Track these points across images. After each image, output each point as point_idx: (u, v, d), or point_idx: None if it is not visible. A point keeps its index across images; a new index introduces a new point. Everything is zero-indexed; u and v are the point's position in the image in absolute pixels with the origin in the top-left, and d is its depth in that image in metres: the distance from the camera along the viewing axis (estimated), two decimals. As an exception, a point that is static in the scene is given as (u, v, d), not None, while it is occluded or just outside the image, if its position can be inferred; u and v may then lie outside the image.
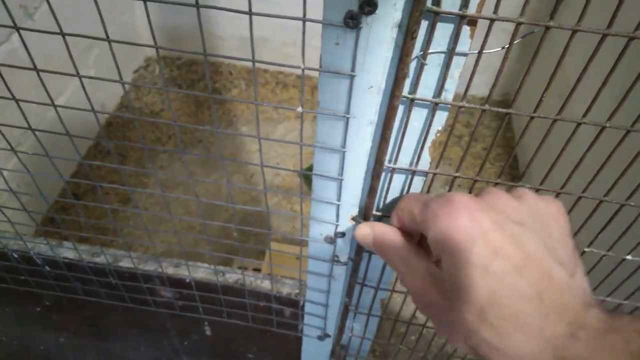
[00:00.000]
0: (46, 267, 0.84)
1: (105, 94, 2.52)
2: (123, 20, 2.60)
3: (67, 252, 0.81)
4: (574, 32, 0.38)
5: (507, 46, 0.40)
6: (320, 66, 0.43)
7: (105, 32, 0.44)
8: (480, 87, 2.71)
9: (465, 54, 0.41)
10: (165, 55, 2.96)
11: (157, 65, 2.95)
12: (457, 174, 0.51)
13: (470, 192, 0.49)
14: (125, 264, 0.80)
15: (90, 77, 0.47)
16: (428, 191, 0.56)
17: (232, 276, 0.79)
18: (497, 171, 2.43)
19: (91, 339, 1.11)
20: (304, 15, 0.39)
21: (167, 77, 2.85)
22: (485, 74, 2.53)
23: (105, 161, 2.42)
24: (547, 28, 0.38)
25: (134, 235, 2.16)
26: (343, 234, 0.62)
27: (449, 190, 0.50)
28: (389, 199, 0.56)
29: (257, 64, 0.45)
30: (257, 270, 1.83)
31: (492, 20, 0.38)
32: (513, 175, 2.43)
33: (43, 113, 1.99)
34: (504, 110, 0.46)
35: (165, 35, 2.79)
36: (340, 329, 0.83)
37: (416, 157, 0.51)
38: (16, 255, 0.82)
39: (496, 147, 2.56)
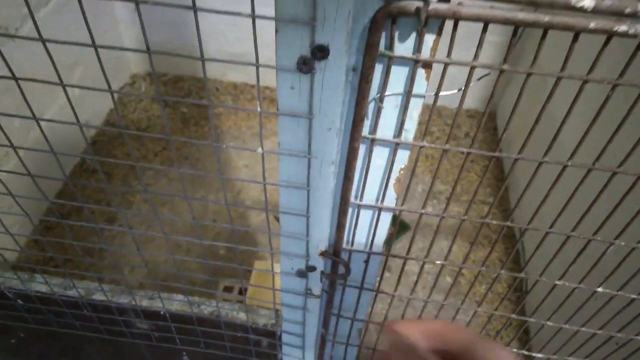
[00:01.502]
0: (18, 300, 0.82)
1: (90, 112, 2.50)
2: (107, 38, 2.59)
3: (39, 285, 0.79)
4: (528, 74, 0.38)
5: (462, 88, 0.40)
6: (277, 109, 0.42)
7: (93, 41, 0.43)
8: (467, 100, 2.72)
9: (422, 96, 0.41)
10: (151, 72, 2.95)
11: (142, 82, 2.95)
12: (423, 211, 0.51)
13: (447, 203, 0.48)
14: (98, 297, 0.78)
15: (78, 87, 0.46)
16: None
17: (207, 308, 0.77)
18: (484, 183, 2.44)
19: (69, 369, 1.08)
20: (257, 60, 0.38)
21: (153, 94, 2.84)
22: (472, 87, 2.54)
23: (91, 179, 2.40)
24: (501, 71, 0.38)
25: (119, 254, 2.14)
26: (314, 268, 0.61)
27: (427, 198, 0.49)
28: (357, 235, 0.56)
29: (243, 80, 0.44)
30: (244, 290, 1.81)
31: (445, 64, 0.38)
32: (499, 186, 2.43)
33: (26, 133, 1.97)
34: (488, 154, 0.45)
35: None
36: (319, 358, 0.82)
37: (381, 193, 0.50)
38: (-13, 290, 0.80)
39: (483, 159, 2.56)
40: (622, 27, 0.33)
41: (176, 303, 0.78)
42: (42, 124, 0.51)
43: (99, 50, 0.41)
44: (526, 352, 0.77)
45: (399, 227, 2.11)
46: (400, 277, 0.63)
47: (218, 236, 2.15)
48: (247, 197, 2.37)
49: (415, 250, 2.02)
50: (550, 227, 0.51)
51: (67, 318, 0.85)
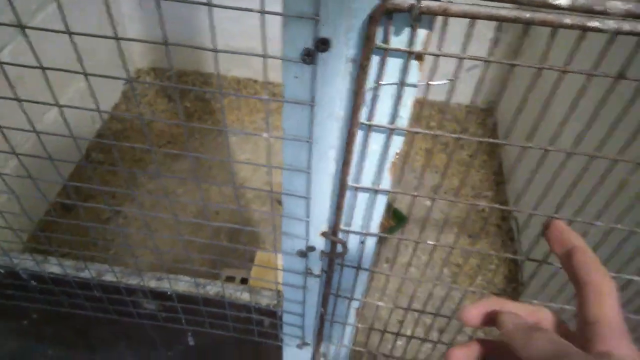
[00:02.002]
0: (32, 281, 0.86)
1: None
2: (111, 32, 2.63)
3: (53, 267, 0.83)
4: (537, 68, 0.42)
5: (452, 79, 0.43)
6: (283, 96, 0.46)
7: (116, 33, 0.47)
8: (465, 95, 2.76)
9: (414, 85, 0.45)
10: (155, 67, 2.99)
11: (147, 77, 2.98)
12: (416, 194, 0.54)
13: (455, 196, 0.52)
14: (109, 277, 0.82)
15: (92, 74, 0.49)
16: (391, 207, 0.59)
17: (212, 288, 0.81)
18: (482, 178, 2.48)
19: (79, 351, 1.13)
20: (264, 51, 0.42)
21: (158, 89, 2.88)
22: (470, 80, 2.58)
23: (96, 172, 2.44)
24: (488, 63, 0.42)
25: (126, 243, 2.18)
26: (313, 248, 0.65)
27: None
28: (355, 216, 0.60)
29: (247, 76, 0.48)
30: (245, 280, 1.85)
31: (437, 56, 0.42)
32: (498, 181, 2.47)
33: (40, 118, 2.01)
34: (477, 139, 0.49)
35: (155, 46, 2.82)
36: (319, 337, 0.86)
37: (378, 177, 0.54)
38: (2, 271, 0.84)
39: (482, 154, 2.60)
40: (595, 23, 0.37)
41: (182, 284, 0.82)
42: (52, 114, 0.54)
43: (106, 47, 0.45)
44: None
45: (395, 219, 2.15)
46: (395, 258, 0.67)
47: (219, 230, 2.19)
48: (249, 189, 2.41)
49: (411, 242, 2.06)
50: (535, 208, 0.55)
51: (78, 299, 0.89)
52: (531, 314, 0.39)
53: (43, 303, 0.92)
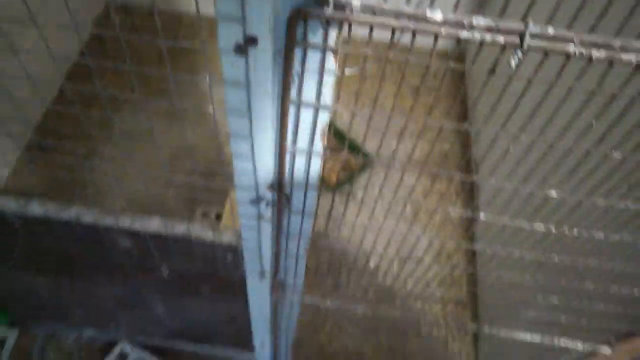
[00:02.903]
0: (17, 221, 0.96)
1: (66, 45, 2.52)
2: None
3: (36, 208, 0.93)
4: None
5: (357, 69, 0.53)
6: (223, 78, 0.55)
7: None
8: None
9: (332, 72, 0.54)
10: (125, 4, 2.93)
11: (117, 15, 2.93)
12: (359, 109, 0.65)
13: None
14: (88, 219, 0.93)
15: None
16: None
17: (180, 228, 0.93)
18: (448, 119, 2.59)
19: (64, 280, 1.26)
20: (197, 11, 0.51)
21: (130, 27, 2.84)
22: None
23: (70, 113, 2.47)
24: (387, 60, 0.51)
25: (101, 185, 2.27)
26: (262, 198, 0.76)
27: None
28: (295, 174, 0.70)
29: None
30: (219, 215, 1.98)
31: (345, 53, 0.51)
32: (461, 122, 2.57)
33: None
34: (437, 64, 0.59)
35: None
36: (275, 269, 1.00)
37: (311, 142, 0.64)
38: (-9, 213, 0.94)
39: (447, 96, 2.69)
40: (465, 33, 0.46)
41: (153, 224, 0.93)
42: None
43: None
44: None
45: (361, 159, 2.27)
46: (348, 199, 0.78)
47: (194, 170, 2.28)
48: (223, 130, 2.48)
49: (375, 180, 2.19)
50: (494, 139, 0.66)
51: (62, 237, 1.00)
52: None
53: (28, 240, 1.03)
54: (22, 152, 2.22)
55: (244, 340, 1.55)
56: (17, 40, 2.08)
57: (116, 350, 1.67)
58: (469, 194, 2.30)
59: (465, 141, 2.48)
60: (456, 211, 2.30)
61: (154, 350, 1.71)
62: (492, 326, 1.13)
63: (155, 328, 1.55)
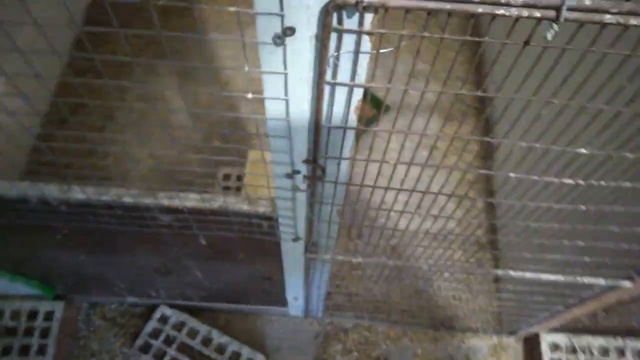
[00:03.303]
0: (62, 207, 1.01)
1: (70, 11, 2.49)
2: None
3: (77, 194, 0.97)
4: (442, 38, 0.52)
5: (393, 49, 0.54)
6: (261, 67, 0.57)
7: None
8: None
9: (368, 53, 0.55)
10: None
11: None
12: (390, 86, 0.67)
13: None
14: (127, 199, 0.97)
15: None
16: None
17: (216, 202, 0.97)
18: (465, 69, 2.55)
19: (106, 256, 1.32)
20: (242, 36, 0.52)
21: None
22: None
23: (82, 83, 2.48)
24: (422, 37, 0.52)
25: (119, 153, 2.31)
26: (298, 172, 0.79)
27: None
28: (330, 147, 0.73)
29: None
30: (240, 177, 2.02)
31: (381, 34, 0.52)
32: (480, 72, 2.54)
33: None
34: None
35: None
36: (309, 233, 1.04)
37: (345, 117, 0.66)
38: (35, 200, 0.98)
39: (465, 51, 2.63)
40: (501, 11, 0.47)
41: (191, 199, 0.97)
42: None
43: None
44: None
45: (380, 107, 2.27)
46: (372, 146, 0.81)
47: (210, 133, 2.30)
48: (234, 88, 2.48)
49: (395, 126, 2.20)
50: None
51: (103, 217, 1.04)
52: None
53: (72, 222, 1.08)
54: (40, 127, 2.26)
55: (277, 296, 1.64)
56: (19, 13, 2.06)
57: (157, 314, 1.76)
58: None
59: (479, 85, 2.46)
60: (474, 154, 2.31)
61: (192, 311, 1.80)
62: (514, 269, 1.18)
63: (192, 291, 1.64)
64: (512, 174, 0.75)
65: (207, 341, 1.75)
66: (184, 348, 1.73)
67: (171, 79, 2.49)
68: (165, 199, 0.98)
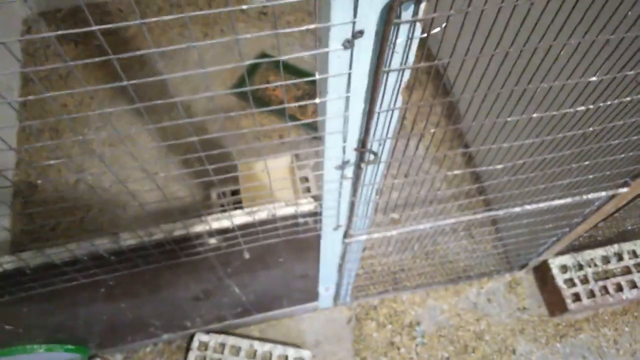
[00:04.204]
0: (112, 257, 1.03)
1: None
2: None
3: (128, 241, 1.00)
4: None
5: (441, 28, 0.62)
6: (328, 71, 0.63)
7: None
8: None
9: (420, 36, 0.63)
10: (43, 11, 2.77)
11: (39, 25, 2.78)
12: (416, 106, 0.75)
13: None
14: (179, 232, 1.00)
15: None
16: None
17: (262, 213, 1.02)
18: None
19: (147, 296, 1.33)
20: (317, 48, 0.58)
21: (58, 35, 2.70)
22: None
23: (41, 139, 2.41)
24: (448, 18, 0.60)
25: (103, 204, 2.28)
26: (348, 161, 0.86)
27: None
28: (377, 135, 0.80)
29: None
30: (235, 192, 2.05)
31: (432, 19, 0.59)
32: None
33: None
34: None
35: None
36: (350, 218, 1.11)
37: (394, 100, 0.74)
38: (85, 258, 0.99)
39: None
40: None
41: (238, 217, 1.02)
42: None
43: None
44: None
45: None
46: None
47: (186, 161, 2.30)
48: (197, 110, 2.49)
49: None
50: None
51: (152, 257, 1.07)
52: None
53: (120, 270, 1.10)
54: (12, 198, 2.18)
55: (310, 292, 1.70)
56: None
57: (195, 343, 1.78)
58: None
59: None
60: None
61: (226, 332, 1.83)
62: (507, 207, 1.31)
63: (227, 311, 1.67)
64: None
65: (251, 354, 1.79)
66: (232, 367, 1.76)
67: (131, 117, 2.47)
68: (214, 222, 1.02)
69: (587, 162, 1.11)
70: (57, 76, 2.59)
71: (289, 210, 1.03)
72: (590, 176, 1.19)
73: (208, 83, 2.57)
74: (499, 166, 1.04)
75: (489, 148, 1.03)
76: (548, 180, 1.20)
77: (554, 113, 0.91)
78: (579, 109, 0.86)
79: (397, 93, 0.72)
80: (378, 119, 0.77)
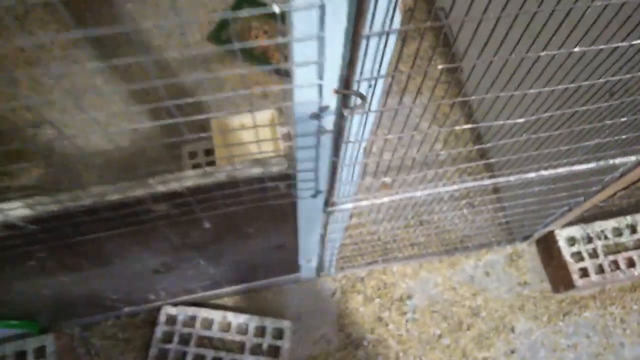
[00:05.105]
0: (30, 225, 0.82)
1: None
2: None
3: (50, 205, 0.79)
4: None
5: None
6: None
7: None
8: None
9: None
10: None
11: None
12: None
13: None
14: (113, 196, 0.79)
15: None
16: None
17: (221, 174, 0.81)
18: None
19: (92, 270, 1.14)
20: None
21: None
22: None
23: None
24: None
25: (65, 150, 2.05)
26: (327, 107, 0.64)
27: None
28: (365, 70, 0.58)
29: None
30: (209, 151, 1.84)
31: None
32: None
33: None
34: None
35: None
36: (331, 183, 0.91)
37: (389, 18, 0.52)
38: (-4, 226, 0.79)
39: None
40: None
41: (190, 179, 0.81)
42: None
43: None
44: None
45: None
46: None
47: (156, 111, 2.07)
48: (170, 58, 2.24)
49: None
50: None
51: (85, 225, 0.87)
52: None
53: (47, 241, 0.89)
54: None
55: (289, 264, 1.51)
56: None
57: (162, 317, 1.60)
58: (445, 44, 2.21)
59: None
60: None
61: (197, 304, 1.65)
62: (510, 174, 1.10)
63: (195, 283, 1.48)
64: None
65: (225, 326, 1.62)
66: (203, 341, 1.60)
67: (95, 64, 2.21)
68: (159, 185, 0.81)
69: (623, 119, 0.90)
70: (13, 17, 2.31)
71: (254, 172, 0.82)
72: (624, 136, 0.98)
73: (182, 30, 2.31)
74: (520, 120, 0.82)
75: (497, 96, 0.80)
76: (572, 141, 0.99)
77: (585, 48, 0.69)
78: (619, 44, 0.64)
79: (394, 9, 0.50)
80: (367, 45, 0.55)
